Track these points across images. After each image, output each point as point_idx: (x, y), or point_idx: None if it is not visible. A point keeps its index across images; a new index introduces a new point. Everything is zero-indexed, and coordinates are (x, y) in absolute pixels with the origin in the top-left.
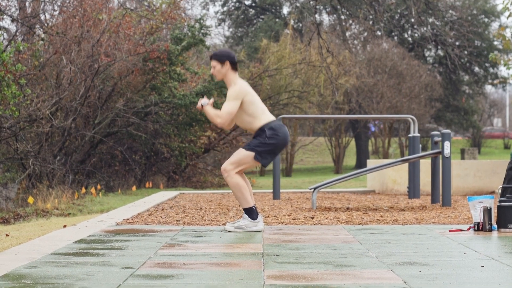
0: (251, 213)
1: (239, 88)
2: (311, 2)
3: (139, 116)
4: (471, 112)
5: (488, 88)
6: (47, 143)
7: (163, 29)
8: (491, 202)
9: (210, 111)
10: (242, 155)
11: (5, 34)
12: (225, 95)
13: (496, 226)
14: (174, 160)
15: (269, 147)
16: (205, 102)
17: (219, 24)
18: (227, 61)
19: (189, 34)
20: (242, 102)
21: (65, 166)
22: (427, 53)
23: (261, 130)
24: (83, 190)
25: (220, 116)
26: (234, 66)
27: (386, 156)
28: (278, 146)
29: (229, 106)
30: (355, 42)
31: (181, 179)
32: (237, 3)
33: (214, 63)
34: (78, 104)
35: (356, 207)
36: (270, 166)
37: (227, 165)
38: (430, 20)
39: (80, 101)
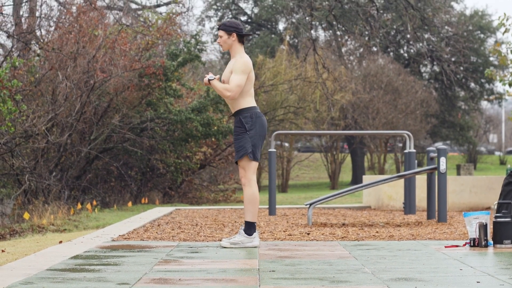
0: (251, 228)
1: (246, 61)
2: (307, 18)
3: (134, 132)
4: (466, 128)
5: (484, 104)
6: (43, 159)
7: (158, 45)
8: (487, 218)
9: (218, 85)
10: (244, 163)
11: (0, 49)
12: (220, 111)
13: (492, 242)
14: (170, 176)
15: (253, 140)
16: (211, 77)
17: (215, 40)
18: (234, 32)
19: (185, 50)
20: None
21: (61, 182)
22: (423, 69)
23: (240, 119)
24: (79, 206)
25: (230, 89)
26: (241, 38)
27: (382, 172)
28: (259, 135)
29: (238, 78)
30: (351, 58)
31: (177, 195)
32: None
33: (221, 33)
34: (74, 120)
35: (352, 223)
36: (265, 182)
37: (243, 173)
38: (426, 36)
39: (75, 117)
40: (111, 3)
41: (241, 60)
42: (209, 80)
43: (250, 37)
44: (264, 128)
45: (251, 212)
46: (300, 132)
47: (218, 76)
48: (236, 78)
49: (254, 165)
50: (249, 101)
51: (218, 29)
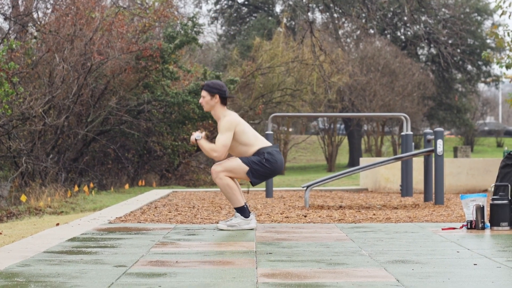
0: (243, 211)
1: (229, 119)
2: (304, 0)
3: (131, 114)
4: (464, 110)
5: (481, 86)
6: (40, 141)
7: (155, 27)
8: (484, 200)
9: (205, 145)
10: (236, 164)
11: None
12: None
13: (489, 224)
14: (167, 158)
15: (264, 170)
16: (198, 136)
17: (212, 22)
18: (217, 94)
19: (182, 32)
20: (234, 133)
21: (58, 164)
22: (420, 51)
23: (259, 152)
24: (76, 188)
25: (216, 150)
26: (224, 100)
27: (379, 154)
28: (273, 171)
29: (223, 138)
30: (348, 40)
31: (174, 177)
32: (230, 1)
33: (204, 93)
34: (71, 102)
35: (349, 205)
36: None
37: (217, 167)
38: (423, 18)
39: (73, 99)
40: None
41: (224, 119)
42: (195, 139)
43: (246, 22)
44: (280, 165)
45: (233, 199)
46: (297, 114)
47: (204, 134)
48: (221, 138)
49: (240, 177)
50: (258, 144)
51: (201, 89)
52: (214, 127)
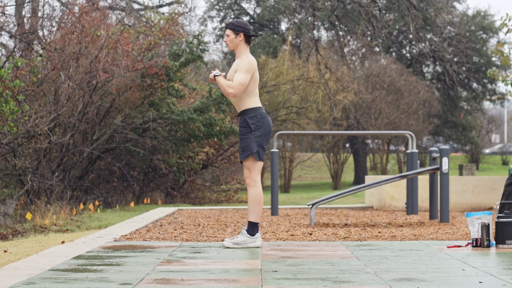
0: (254, 228)
1: (251, 60)
2: (309, 18)
3: (137, 132)
4: (469, 128)
5: (486, 104)
6: (45, 159)
7: (161, 45)
8: (489, 218)
9: (222, 82)
10: (250, 164)
11: (3, 50)
12: (223, 111)
13: (494, 242)
14: (172, 176)
15: (258, 140)
16: (217, 73)
17: (217, 40)
18: (241, 32)
19: (187, 50)
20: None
21: (63, 182)
22: (425, 69)
23: (245, 119)
24: (81, 206)
25: (233, 86)
26: (248, 39)
27: (384, 172)
28: (264, 135)
29: (242, 77)
30: (353, 58)
31: (179, 195)
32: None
33: (228, 32)
34: (76, 120)
35: (354, 223)
36: (268, 182)
37: (248, 174)
38: (428, 36)
39: (78, 117)
40: (113, 3)
41: (246, 59)
42: (214, 75)
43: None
44: (269, 128)
45: (255, 213)
46: (303, 132)
47: (224, 73)
48: (240, 77)
49: (259, 165)
50: (254, 101)
51: (226, 27)
52: (220, 144)
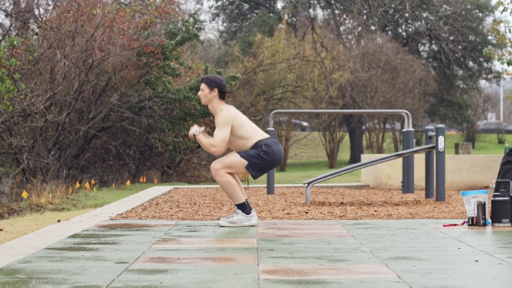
0: (244, 208)
1: (227, 113)
2: None
3: (133, 111)
4: (465, 107)
5: (482, 83)
6: (41, 138)
7: (157, 23)
8: (485, 197)
9: (203, 140)
10: (235, 160)
11: None
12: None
13: (490, 220)
14: (168, 155)
15: (263, 162)
16: (196, 131)
17: (213, 19)
18: (216, 88)
19: (183, 28)
20: (232, 127)
21: (59, 161)
22: (421, 48)
23: (256, 145)
24: (77, 184)
25: (215, 145)
26: (222, 94)
27: (380, 150)
28: (272, 163)
29: (221, 133)
30: (349, 36)
31: (175, 174)
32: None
33: (203, 86)
34: (72, 98)
35: (350, 201)
36: None
37: (216, 164)
38: (424, 14)
39: (74, 96)
40: None
41: (220, 114)
42: (194, 134)
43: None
44: (279, 157)
45: (234, 196)
46: (299, 110)
47: (203, 128)
48: (219, 133)
49: (240, 172)
50: (256, 137)
51: (201, 81)
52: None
